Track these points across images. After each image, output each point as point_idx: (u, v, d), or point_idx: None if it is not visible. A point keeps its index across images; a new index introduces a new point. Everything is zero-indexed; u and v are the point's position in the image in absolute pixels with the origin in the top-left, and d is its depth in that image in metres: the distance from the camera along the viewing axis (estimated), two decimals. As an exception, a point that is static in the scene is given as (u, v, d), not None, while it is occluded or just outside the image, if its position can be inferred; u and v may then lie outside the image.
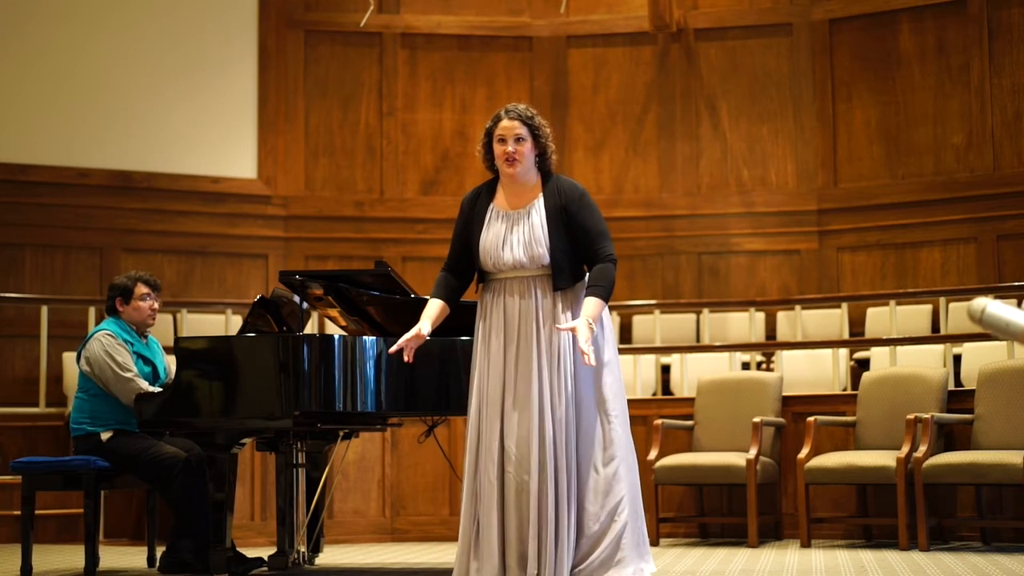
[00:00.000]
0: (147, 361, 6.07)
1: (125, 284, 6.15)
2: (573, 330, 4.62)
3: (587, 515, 4.70)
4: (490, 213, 4.86)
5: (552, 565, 4.62)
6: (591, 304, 4.69)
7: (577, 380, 4.73)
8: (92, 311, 9.10)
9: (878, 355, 8.83)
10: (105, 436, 5.96)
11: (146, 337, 6.20)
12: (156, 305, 6.20)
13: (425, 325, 4.83)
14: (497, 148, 4.84)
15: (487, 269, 4.84)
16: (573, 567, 4.68)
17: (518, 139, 4.81)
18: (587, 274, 4.84)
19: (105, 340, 5.97)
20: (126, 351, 5.97)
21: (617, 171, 11.40)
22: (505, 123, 4.83)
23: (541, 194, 4.85)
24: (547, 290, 4.78)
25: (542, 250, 4.76)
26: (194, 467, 5.78)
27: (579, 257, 4.83)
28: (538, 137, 4.85)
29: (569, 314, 4.77)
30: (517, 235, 4.79)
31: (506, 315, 4.78)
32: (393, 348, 4.87)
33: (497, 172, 4.91)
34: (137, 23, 10.65)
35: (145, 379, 5.95)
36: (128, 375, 5.88)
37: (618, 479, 4.73)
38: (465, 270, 4.93)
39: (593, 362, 4.60)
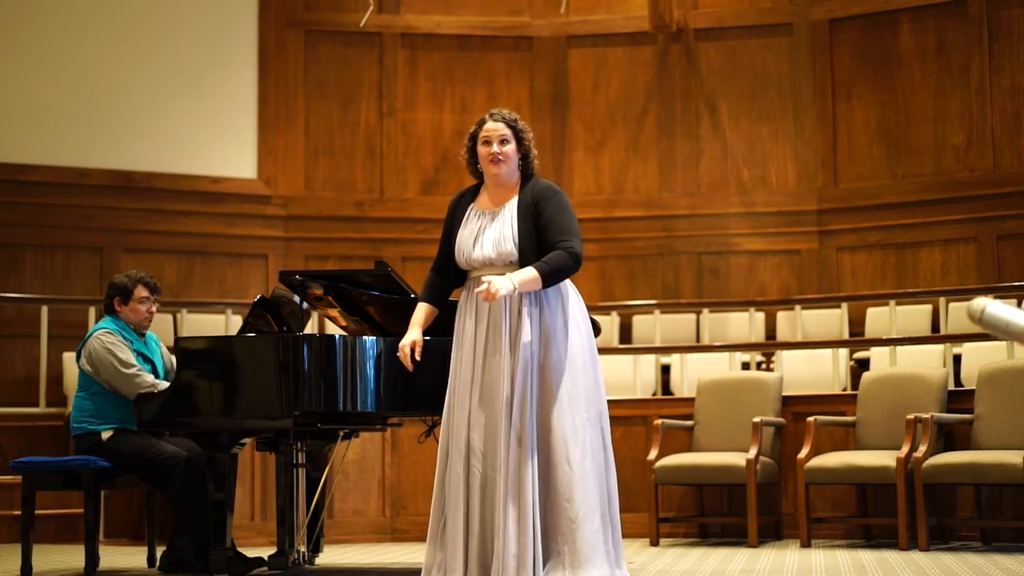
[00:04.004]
0: (146, 359, 6.07)
1: (125, 284, 6.14)
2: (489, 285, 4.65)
3: (556, 513, 4.71)
4: (469, 213, 4.97)
5: (515, 564, 4.62)
6: (524, 271, 4.72)
7: (547, 378, 4.77)
8: (92, 311, 9.09)
9: (878, 355, 8.83)
10: (105, 435, 5.96)
11: (144, 335, 6.20)
12: (154, 308, 6.21)
13: (416, 332, 4.95)
14: (482, 149, 4.95)
15: (461, 266, 4.95)
16: (543, 564, 4.68)
17: (503, 141, 4.92)
18: None
19: (105, 338, 5.98)
20: (127, 347, 5.98)
21: (617, 171, 11.40)
22: (490, 125, 4.94)
23: (518, 194, 4.93)
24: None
25: (510, 247, 4.83)
26: (194, 467, 5.78)
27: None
28: (521, 140, 4.96)
29: (537, 310, 4.81)
30: (489, 233, 4.89)
31: (477, 311, 4.86)
32: (401, 355, 4.96)
33: (480, 176, 5.02)
34: (138, 24, 10.64)
35: (145, 377, 5.97)
36: (131, 371, 5.89)
37: (588, 479, 4.76)
38: (452, 270, 5.01)
39: (494, 292, 4.62)
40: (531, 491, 4.66)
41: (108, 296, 6.18)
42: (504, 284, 4.67)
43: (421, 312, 5.00)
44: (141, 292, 6.14)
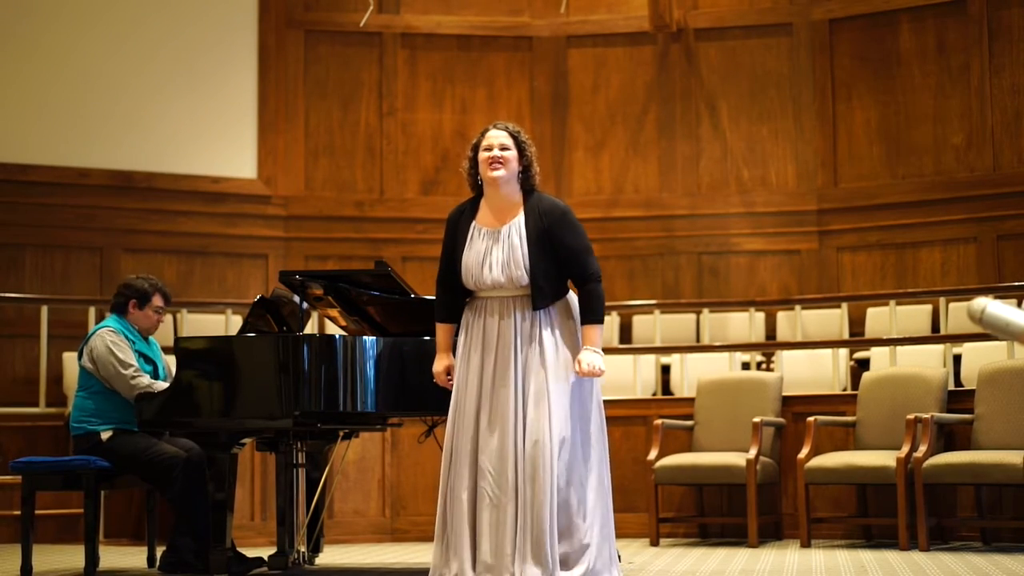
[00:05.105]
0: (148, 360, 6.08)
1: (145, 289, 6.16)
2: (579, 366, 4.81)
3: (567, 527, 4.79)
4: (472, 231, 4.95)
5: None
6: (590, 331, 4.84)
7: (553, 400, 4.78)
8: (92, 311, 9.09)
9: (878, 355, 8.83)
10: (105, 435, 5.96)
11: (147, 337, 6.22)
12: (164, 319, 6.27)
13: (446, 358, 5.01)
14: (483, 155, 4.94)
15: (468, 287, 4.93)
16: None
17: (504, 148, 4.93)
18: (569, 290, 4.95)
19: (108, 337, 5.99)
20: (128, 348, 5.99)
21: (617, 171, 11.39)
22: (492, 133, 4.97)
23: (522, 212, 4.92)
24: (526, 310, 4.87)
25: (521, 272, 4.84)
26: (194, 467, 5.78)
27: (561, 275, 4.91)
28: (523, 152, 4.96)
29: (548, 332, 4.85)
30: (497, 255, 4.87)
31: (485, 334, 4.87)
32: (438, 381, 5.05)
33: (479, 189, 4.99)
34: (138, 24, 10.65)
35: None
36: (129, 371, 5.89)
37: (593, 495, 4.85)
38: (459, 286, 4.99)
39: (588, 370, 4.79)
40: (549, 511, 4.69)
41: (123, 296, 6.17)
42: (598, 362, 4.80)
43: (444, 334, 5.01)
44: (158, 301, 6.19)
